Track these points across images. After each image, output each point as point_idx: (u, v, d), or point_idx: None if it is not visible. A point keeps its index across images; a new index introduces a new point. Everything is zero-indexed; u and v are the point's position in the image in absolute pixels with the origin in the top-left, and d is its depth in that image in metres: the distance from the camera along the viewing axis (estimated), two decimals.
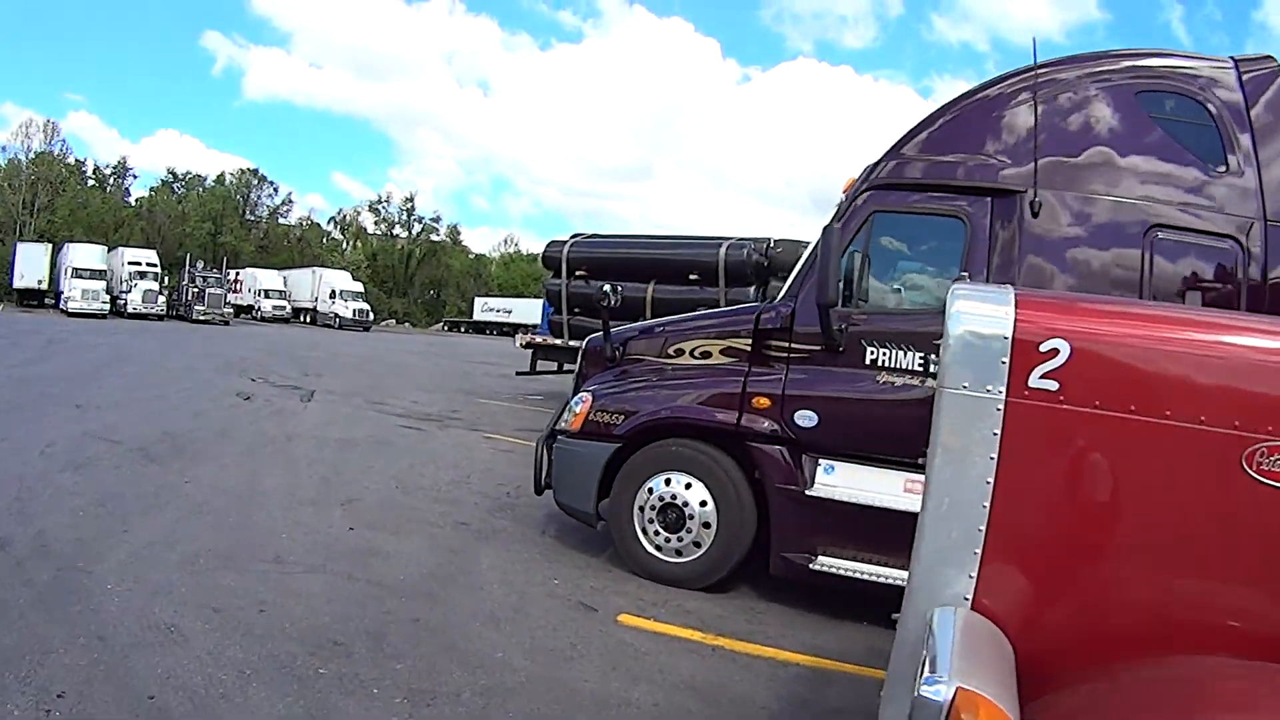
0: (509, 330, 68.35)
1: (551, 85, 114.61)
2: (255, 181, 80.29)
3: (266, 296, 56.40)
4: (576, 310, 16.89)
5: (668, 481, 5.77)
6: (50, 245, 50.94)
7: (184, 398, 12.97)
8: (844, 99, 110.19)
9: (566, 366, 18.32)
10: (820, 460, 5.51)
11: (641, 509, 5.83)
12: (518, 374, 18.29)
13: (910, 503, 4.46)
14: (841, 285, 5.40)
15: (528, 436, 11.60)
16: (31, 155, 65.61)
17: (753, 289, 15.27)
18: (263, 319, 54.15)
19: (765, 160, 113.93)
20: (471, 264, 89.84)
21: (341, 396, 14.91)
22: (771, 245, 15.62)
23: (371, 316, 56.50)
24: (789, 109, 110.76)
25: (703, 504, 5.68)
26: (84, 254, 46.83)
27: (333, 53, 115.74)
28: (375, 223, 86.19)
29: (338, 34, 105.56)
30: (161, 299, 45.92)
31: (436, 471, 8.62)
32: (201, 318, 44.78)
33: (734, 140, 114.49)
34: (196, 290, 46.72)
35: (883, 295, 5.82)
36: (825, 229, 5.35)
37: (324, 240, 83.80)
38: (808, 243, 15.33)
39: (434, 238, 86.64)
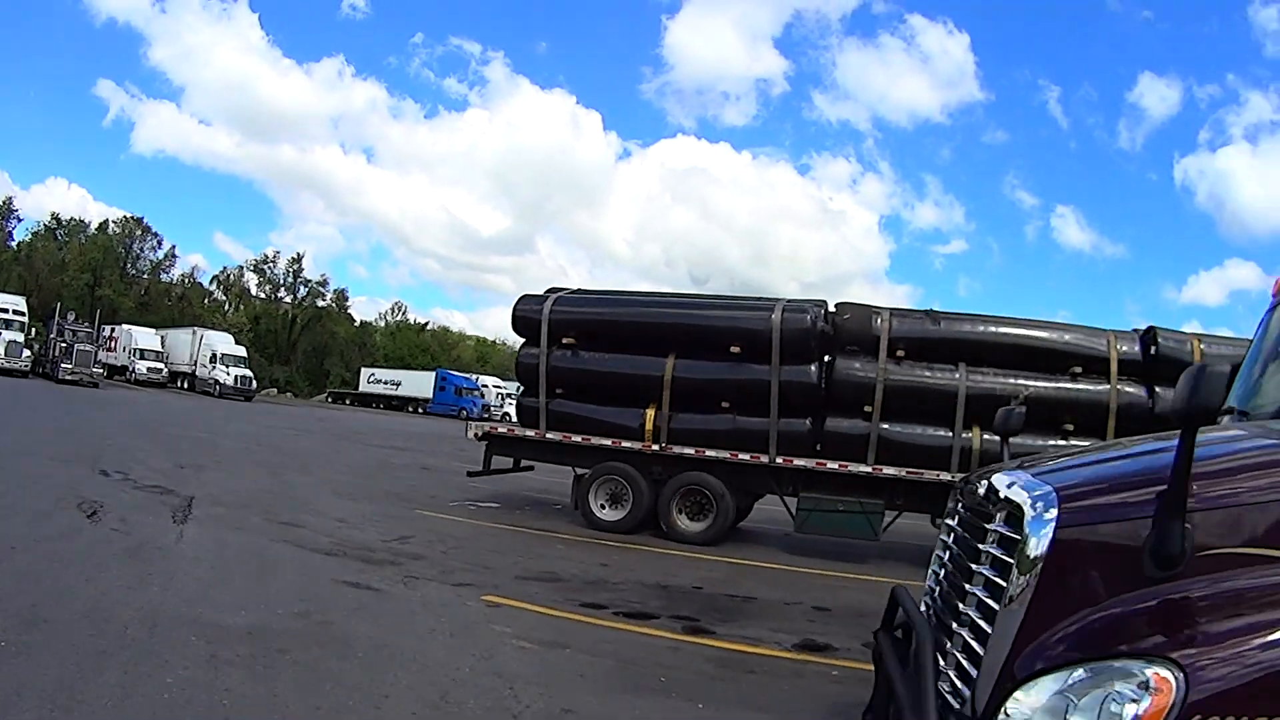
0: (397, 404, 63.65)
1: (435, 153, 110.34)
2: (139, 232, 75.87)
3: (142, 357, 50.38)
4: (559, 391, 12.58)
5: None
6: None
7: None
8: (721, 176, 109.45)
9: (524, 463, 13.89)
10: None
11: None
12: (470, 474, 13.66)
13: None
14: None
15: (547, 599, 7.24)
16: None
17: (813, 366, 11.40)
18: (137, 382, 48.25)
19: (644, 237, 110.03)
20: (356, 332, 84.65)
21: (233, 510, 10.18)
22: (833, 310, 11.83)
23: (254, 385, 51.01)
24: (667, 185, 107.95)
25: None
26: None
27: (223, 110, 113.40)
28: (259, 284, 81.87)
29: (229, 91, 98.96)
30: (28, 354, 40.86)
31: None
32: (68, 377, 39.49)
33: (614, 216, 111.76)
34: (65, 345, 41.60)
35: None
36: None
37: (206, 300, 79.19)
38: (878, 309, 11.77)
39: (320, 303, 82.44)
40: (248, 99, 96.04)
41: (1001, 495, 2.80)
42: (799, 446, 11.43)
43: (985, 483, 3.07)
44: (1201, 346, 11.06)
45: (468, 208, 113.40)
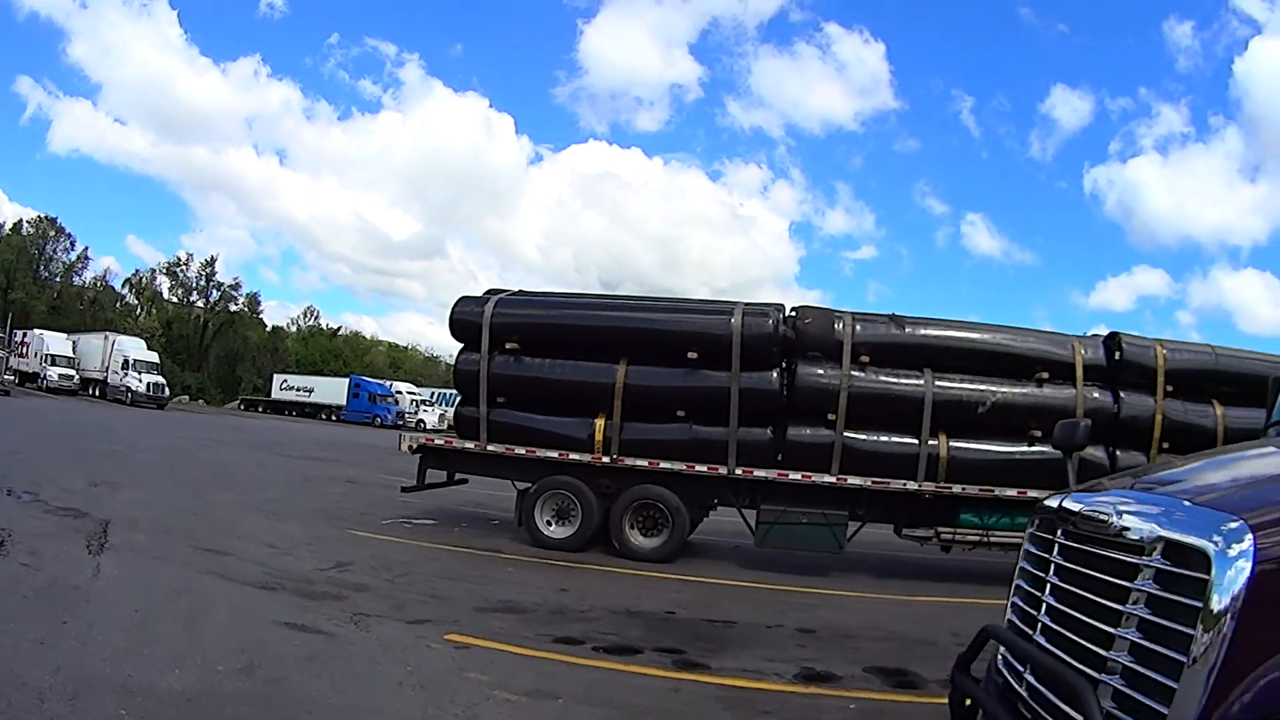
0: (310, 411, 61.63)
1: (347, 156, 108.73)
2: (52, 233, 72.75)
3: (54, 364, 48.09)
4: (501, 400, 11.84)
5: None
6: None
7: None
8: (633, 181, 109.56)
9: (458, 475, 13.03)
10: None
11: None
12: (404, 490, 12.80)
13: None
14: None
15: (516, 636, 6.59)
16: None
17: (775, 373, 10.96)
18: (49, 389, 45.93)
19: (555, 242, 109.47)
20: (269, 338, 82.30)
21: (153, 536, 9.26)
22: (793, 314, 11.42)
23: (167, 392, 48.95)
24: (579, 191, 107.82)
25: None
26: None
27: (139, 109, 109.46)
28: (171, 288, 79.34)
29: (145, 89, 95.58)
30: None
31: None
32: None
33: (525, 221, 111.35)
34: None
35: None
36: None
37: (118, 304, 76.41)
38: (840, 313, 11.35)
39: (232, 307, 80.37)
40: (164, 98, 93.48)
41: (1159, 532, 2.37)
42: (760, 457, 10.94)
43: (1115, 511, 2.60)
44: (1165, 352, 10.98)
45: (379, 212, 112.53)
